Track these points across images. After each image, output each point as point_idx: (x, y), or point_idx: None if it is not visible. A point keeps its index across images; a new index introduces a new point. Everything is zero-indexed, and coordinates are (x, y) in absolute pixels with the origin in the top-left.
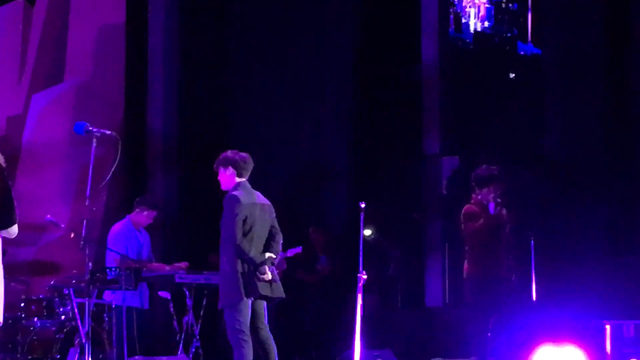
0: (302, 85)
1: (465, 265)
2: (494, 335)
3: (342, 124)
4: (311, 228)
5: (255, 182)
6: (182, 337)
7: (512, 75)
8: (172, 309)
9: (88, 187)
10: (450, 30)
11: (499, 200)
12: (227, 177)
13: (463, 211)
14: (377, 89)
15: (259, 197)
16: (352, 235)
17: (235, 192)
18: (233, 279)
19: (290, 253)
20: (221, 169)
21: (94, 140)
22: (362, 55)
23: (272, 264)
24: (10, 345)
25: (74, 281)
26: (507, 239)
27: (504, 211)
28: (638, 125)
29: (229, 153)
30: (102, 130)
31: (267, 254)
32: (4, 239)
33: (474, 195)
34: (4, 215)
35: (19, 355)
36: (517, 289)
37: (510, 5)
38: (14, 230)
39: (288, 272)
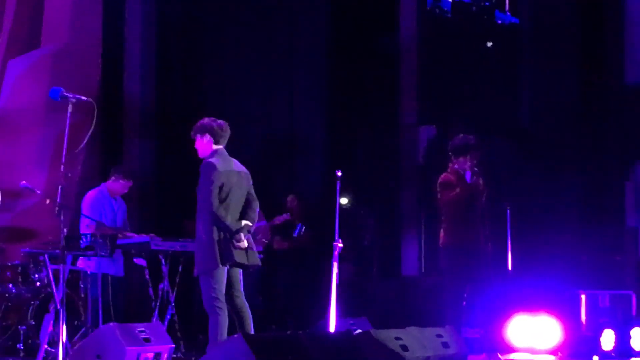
0: (278, 53)
1: (441, 234)
2: (469, 304)
3: (318, 92)
4: (290, 196)
5: (231, 150)
6: (158, 304)
7: (489, 44)
8: (147, 276)
9: (63, 153)
10: None
11: (475, 169)
12: (204, 145)
13: (439, 180)
14: (354, 57)
15: (236, 165)
16: (327, 204)
17: (211, 159)
18: (209, 246)
19: (278, 220)
20: (198, 137)
21: (70, 106)
22: (338, 22)
23: (249, 231)
24: None
25: (49, 247)
26: (483, 209)
27: (481, 180)
28: (612, 96)
29: (206, 120)
30: (77, 96)
31: (244, 222)
32: None
33: (450, 165)
34: None
35: None
36: (493, 259)
37: None
38: None
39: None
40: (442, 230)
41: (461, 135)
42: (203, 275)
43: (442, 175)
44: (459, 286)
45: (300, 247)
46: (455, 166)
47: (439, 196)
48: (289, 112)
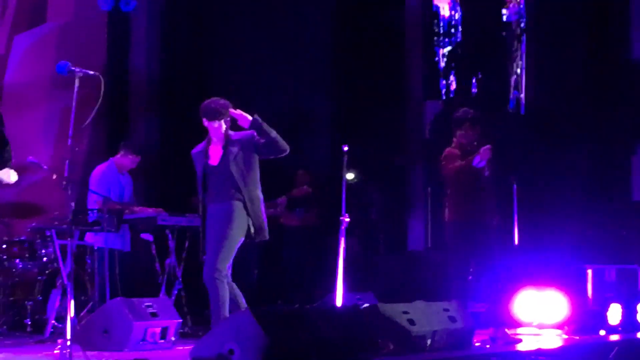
0: (284, 28)
1: (446, 209)
2: (475, 279)
3: (324, 66)
4: (300, 170)
5: (237, 127)
6: (164, 279)
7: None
8: (154, 251)
9: (70, 128)
10: None
11: (475, 143)
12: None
13: (443, 154)
14: (360, 32)
15: None
16: (334, 179)
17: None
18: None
19: (297, 193)
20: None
21: (77, 80)
22: None
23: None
24: None
25: (56, 223)
26: (488, 183)
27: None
28: (618, 71)
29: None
30: (84, 71)
31: None
32: None
33: (454, 139)
34: None
35: (0, 297)
36: (499, 234)
37: None
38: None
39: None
40: (446, 205)
41: (462, 108)
42: None
43: (446, 149)
44: (464, 261)
45: (308, 225)
46: (459, 140)
47: (442, 170)
48: (295, 87)
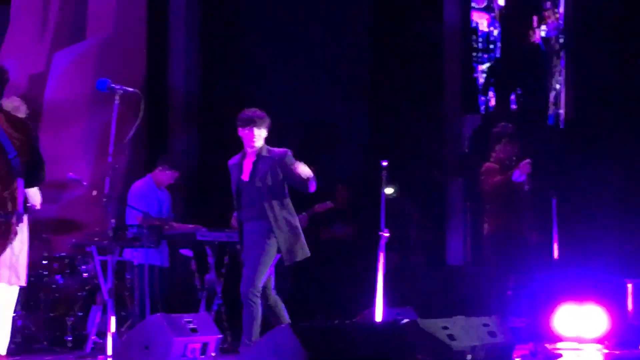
0: (321, 42)
1: (486, 223)
2: (515, 294)
3: (361, 81)
4: (339, 186)
5: (275, 140)
6: (204, 294)
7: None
8: (193, 267)
9: (111, 145)
10: None
11: (514, 158)
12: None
13: (482, 168)
14: (397, 46)
15: None
16: (371, 193)
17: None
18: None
19: (319, 208)
20: (255, 129)
21: (117, 97)
22: (381, 10)
23: None
24: (32, 303)
25: (96, 239)
26: (527, 197)
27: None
28: None
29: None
30: (124, 88)
31: None
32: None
33: (493, 154)
34: (33, 172)
35: (41, 313)
36: (538, 248)
37: None
38: (38, 197)
39: (310, 230)
40: (486, 220)
41: (501, 123)
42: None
43: (485, 164)
44: (504, 275)
45: (347, 239)
46: (501, 155)
47: (482, 185)
48: (332, 102)
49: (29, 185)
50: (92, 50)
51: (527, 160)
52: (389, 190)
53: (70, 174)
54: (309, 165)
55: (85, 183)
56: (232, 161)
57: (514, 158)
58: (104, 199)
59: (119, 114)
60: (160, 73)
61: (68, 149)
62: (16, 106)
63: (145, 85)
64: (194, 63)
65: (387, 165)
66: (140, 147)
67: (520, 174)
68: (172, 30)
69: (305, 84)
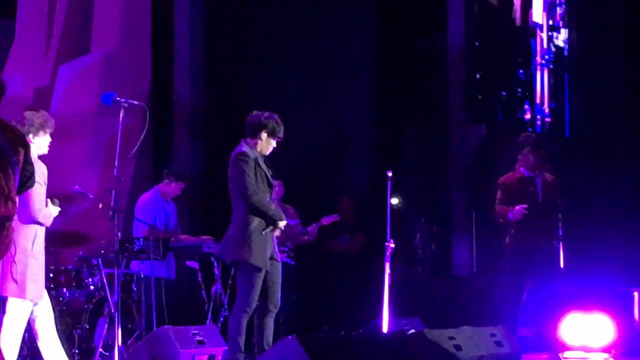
0: (326, 53)
1: (506, 235)
2: (525, 303)
3: (367, 92)
4: (344, 197)
5: (280, 151)
6: (211, 306)
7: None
8: (200, 279)
9: (116, 157)
10: None
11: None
12: None
13: (499, 180)
14: (403, 57)
15: None
16: (377, 204)
17: None
18: None
19: (326, 221)
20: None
21: (122, 110)
22: (386, 22)
23: None
24: None
25: (102, 251)
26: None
27: (548, 177)
28: None
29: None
30: (129, 101)
31: None
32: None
33: (517, 164)
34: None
35: None
36: (547, 257)
37: None
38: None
39: (316, 241)
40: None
41: (525, 133)
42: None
43: (501, 178)
44: (520, 285)
45: (352, 251)
46: (523, 165)
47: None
48: (337, 113)
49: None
50: (97, 63)
51: (522, 207)
52: (394, 201)
53: (76, 187)
54: None
55: (91, 196)
56: None
57: (535, 170)
58: (110, 212)
59: (125, 127)
60: (165, 85)
61: (74, 162)
62: (44, 121)
63: (150, 98)
64: (198, 74)
65: (392, 176)
66: (145, 159)
67: (514, 217)
68: (177, 42)
69: (310, 95)
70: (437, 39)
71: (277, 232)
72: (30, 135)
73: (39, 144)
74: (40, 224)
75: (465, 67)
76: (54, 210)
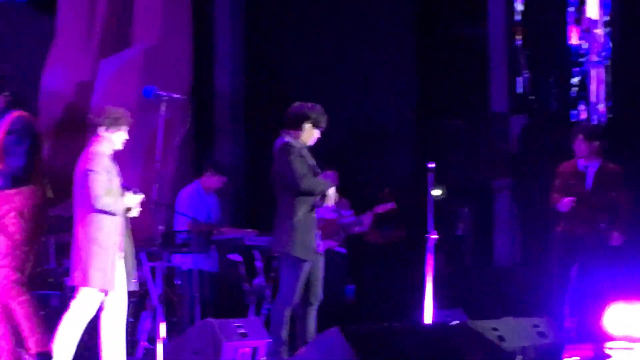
0: (367, 44)
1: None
2: (569, 294)
3: (408, 83)
4: (386, 189)
5: (321, 142)
6: (253, 299)
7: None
8: (242, 272)
9: (158, 151)
10: None
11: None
12: None
13: (558, 168)
14: (443, 46)
15: None
16: (418, 195)
17: None
18: None
19: (381, 209)
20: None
21: (163, 104)
22: (426, 11)
23: None
24: None
25: (145, 245)
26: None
27: (608, 168)
28: None
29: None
30: (171, 94)
31: None
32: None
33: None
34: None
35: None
36: (593, 248)
37: None
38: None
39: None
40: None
41: (582, 122)
42: None
43: (561, 165)
44: (565, 275)
45: (395, 242)
46: (576, 153)
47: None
48: (378, 104)
49: None
50: (138, 57)
51: (570, 200)
52: (436, 192)
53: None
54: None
55: (134, 190)
56: None
57: (589, 158)
58: (152, 206)
59: (166, 120)
60: (206, 78)
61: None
62: (120, 116)
63: (192, 91)
64: (239, 66)
65: (434, 167)
66: (187, 152)
67: (561, 207)
68: (218, 34)
69: (351, 86)
70: (478, 26)
71: (330, 200)
72: (103, 128)
73: (114, 139)
74: (106, 212)
75: (507, 55)
76: (130, 200)
